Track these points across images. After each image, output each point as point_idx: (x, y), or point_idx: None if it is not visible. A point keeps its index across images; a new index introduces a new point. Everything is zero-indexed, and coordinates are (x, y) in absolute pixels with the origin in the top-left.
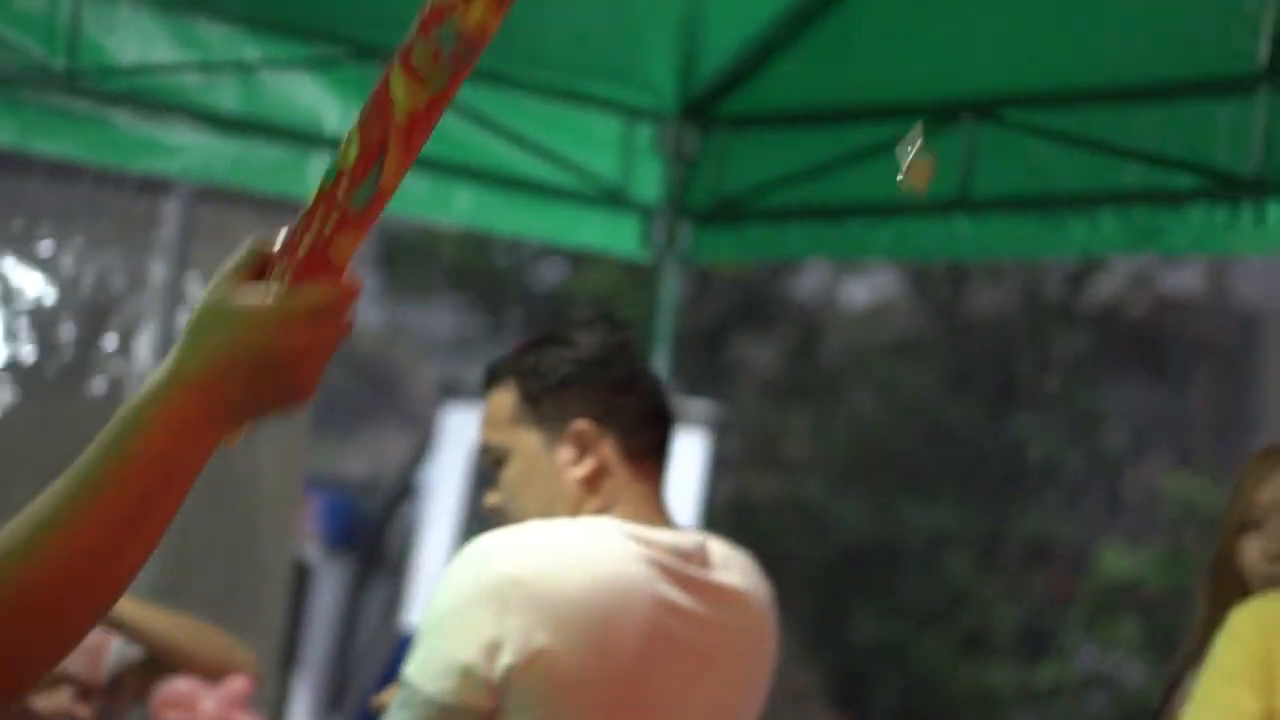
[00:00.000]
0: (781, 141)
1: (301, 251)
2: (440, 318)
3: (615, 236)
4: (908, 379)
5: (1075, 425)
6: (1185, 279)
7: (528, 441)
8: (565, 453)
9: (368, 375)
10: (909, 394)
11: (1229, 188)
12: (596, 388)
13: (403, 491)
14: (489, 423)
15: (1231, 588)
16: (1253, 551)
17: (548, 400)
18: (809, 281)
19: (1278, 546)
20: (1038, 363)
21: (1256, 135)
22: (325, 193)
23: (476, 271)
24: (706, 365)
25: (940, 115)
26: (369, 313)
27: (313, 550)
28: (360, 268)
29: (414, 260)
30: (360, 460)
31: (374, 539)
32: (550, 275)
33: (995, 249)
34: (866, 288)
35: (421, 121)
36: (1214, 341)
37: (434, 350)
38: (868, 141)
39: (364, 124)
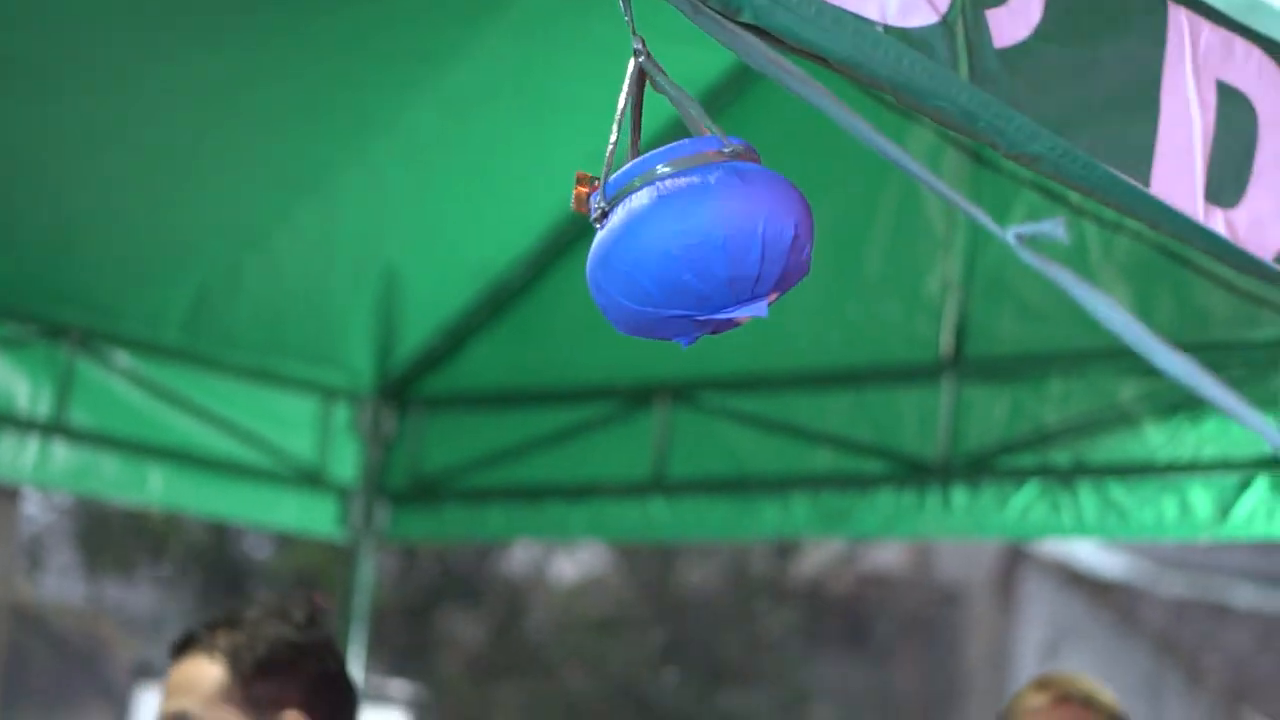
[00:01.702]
0: (479, 422)
1: None
2: (142, 593)
3: (312, 517)
4: (617, 655)
5: (784, 702)
6: (888, 554)
7: None
8: None
9: (67, 653)
10: (618, 670)
11: (916, 473)
12: (311, 676)
13: None
14: (186, 691)
15: None
16: None
17: (261, 683)
18: (517, 556)
19: None
20: (746, 639)
21: (941, 421)
22: None
23: (179, 546)
24: (412, 641)
25: (636, 398)
26: (70, 589)
27: None
28: (60, 543)
29: (115, 535)
30: None
31: None
32: (256, 550)
33: (691, 531)
34: (574, 563)
35: None
36: (918, 616)
37: (135, 627)
38: (564, 423)
39: None
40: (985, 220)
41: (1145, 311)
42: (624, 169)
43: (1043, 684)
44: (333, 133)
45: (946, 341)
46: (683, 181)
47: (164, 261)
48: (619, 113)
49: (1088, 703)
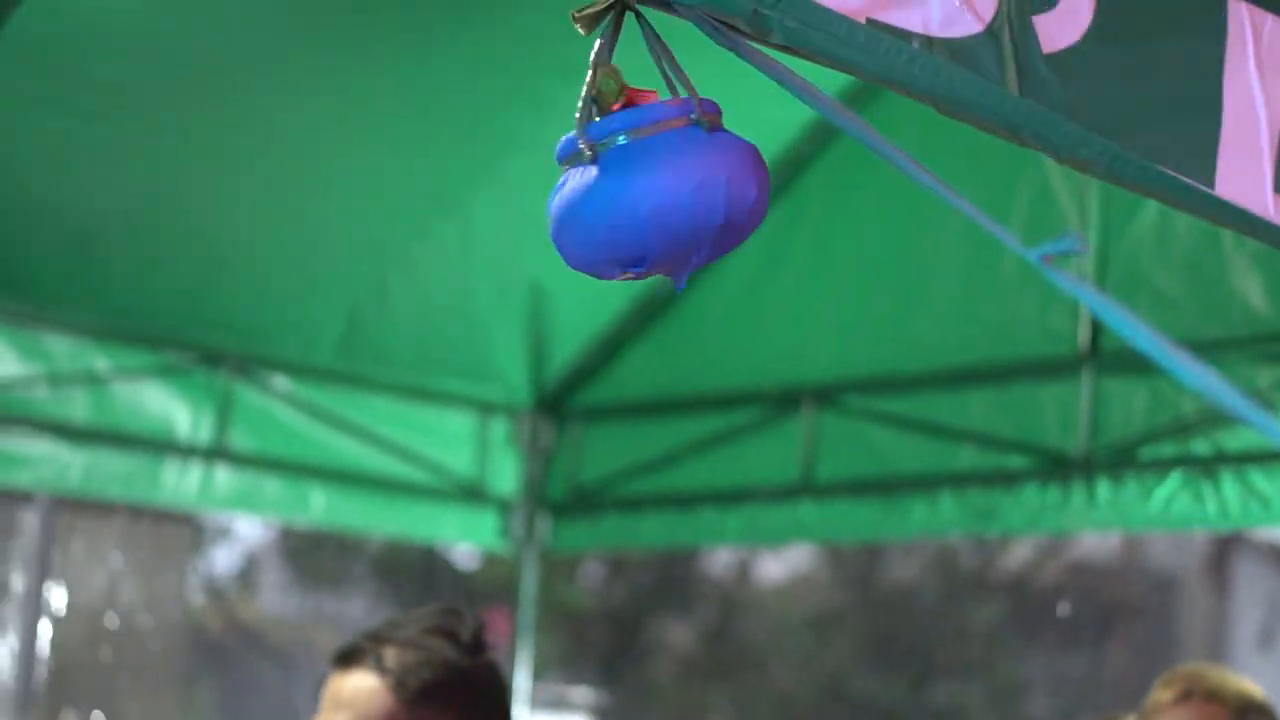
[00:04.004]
0: (632, 431)
1: None
2: (357, 606)
3: (474, 530)
4: (827, 652)
5: (996, 695)
6: (1096, 542)
7: None
8: None
9: (286, 666)
10: (830, 667)
11: (1059, 467)
12: (470, 704)
13: None
14: (348, 706)
15: None
16: None
17: (422, 708)
18: (722, 557)
19: None
20: (955, 633)
21: (1082, 415)
22: None
23: (391, 559)
24: (621, 647)
25: (783, 402)
26: (286, 604)
27: None
28: (272, 560)
29: (326, 550)
30: None
31: None
32: (464, 563)
33: (840, 533)
34: (781, 562)
35: None
36: (1129, 604)
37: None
38: (715, 429)
39: None
40: (1011, 241)
41: (1277, 302)
42: (604, 120)
43: (1168, 680)
44: (471, 150)
45: (1084, 335)
46: (658, 141)
47: (314, 283)
48: (594, 54)
49: (1212, 696)
